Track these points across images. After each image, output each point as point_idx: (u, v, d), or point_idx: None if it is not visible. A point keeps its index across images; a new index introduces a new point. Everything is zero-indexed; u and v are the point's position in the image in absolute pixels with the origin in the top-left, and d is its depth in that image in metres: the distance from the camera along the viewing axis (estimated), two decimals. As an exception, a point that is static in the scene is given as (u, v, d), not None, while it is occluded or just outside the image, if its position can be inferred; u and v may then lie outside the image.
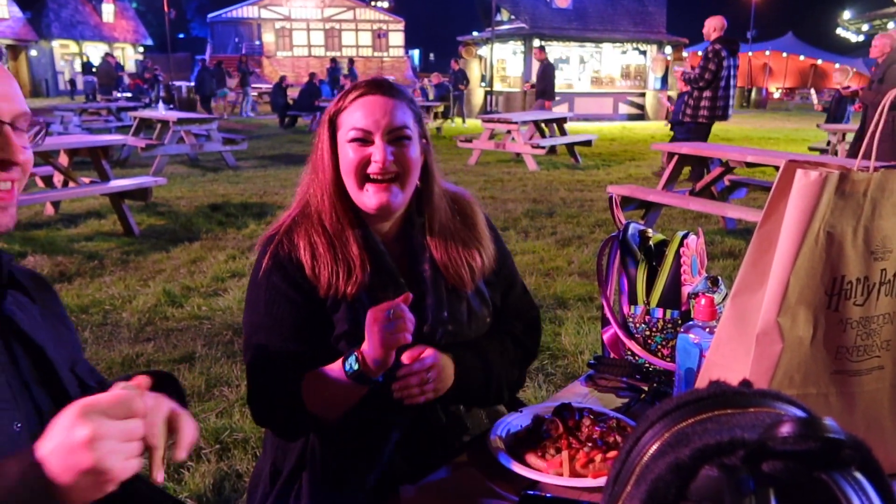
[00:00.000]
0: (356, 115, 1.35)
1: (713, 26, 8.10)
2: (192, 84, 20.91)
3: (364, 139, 1.34)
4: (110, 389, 1.11)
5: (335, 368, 1.26)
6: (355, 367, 1.21)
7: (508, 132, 11.06)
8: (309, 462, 1.39)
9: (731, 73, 8.11)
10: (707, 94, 8.10)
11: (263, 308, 1.36)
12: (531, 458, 1.23)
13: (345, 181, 1.38)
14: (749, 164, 5.85)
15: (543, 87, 13.74)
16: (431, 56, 68.41)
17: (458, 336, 1.42)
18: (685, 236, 1.66)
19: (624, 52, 24.36)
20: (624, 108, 22.59)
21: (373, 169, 1.33)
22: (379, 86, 1.37)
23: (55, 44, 36.47)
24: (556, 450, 1.24)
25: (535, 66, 14.68)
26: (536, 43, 22.83)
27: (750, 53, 32.35)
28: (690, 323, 1.32)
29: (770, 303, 1.02)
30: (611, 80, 24.10)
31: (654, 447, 0.63)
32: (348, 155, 1.35)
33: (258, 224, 6.67)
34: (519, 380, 1.63)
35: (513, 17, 23.83)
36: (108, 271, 5.14)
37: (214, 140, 10.61)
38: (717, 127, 17.79)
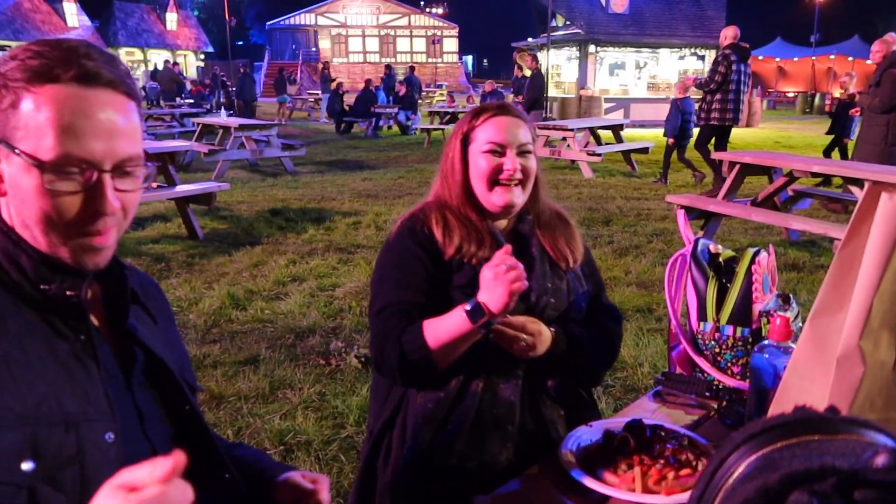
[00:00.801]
0: (491, 132, 1.61)
1: (726, 35, 8.80)
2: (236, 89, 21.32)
3: (498, 151, 1.60)
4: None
5: (452, 316, 1.44)
6: (482, 313, 1.39)
7: (564, 139, 11.00)
8: (400, 419, 1.57)
9: (742, 78, 8.68)
10: (718, 97, 8.67)
11: (395, 265, 1.60)
12: (603, 474, 1.25)
13: (474, 184, 1.64)
14: (814, 174, 5.70)
15: (533, 97, 13.20)
16: (485, 62, 68.53)
17: (559, 309, 1.63)
18: (756, 253, 1.66)
19: (681, 58, 23.92)
20: (681, 115, 22.19)
21: (504, 175, 1.60)
22: (507, 109, 1.66)
23: (121, 51, 37.75)
24: (627, 465, 1.25)
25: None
26: (592, 49, 22.66)
27: (813, 57, 31.39)
28: (765, 342, 1.32)
29: (852, 326, 1.02)
30: (668, 86, 23.70)
31: (740, 469, 0.64)
32: (481, 164, 1.61)
33: (317, 229, 6.79)
34: (596, 378, 1.82)
35: (568, 22, 23.67)
36: (174, 273, 5.31)
37: (274, 146, 10.83)
38: (779, 134, 17.35)
